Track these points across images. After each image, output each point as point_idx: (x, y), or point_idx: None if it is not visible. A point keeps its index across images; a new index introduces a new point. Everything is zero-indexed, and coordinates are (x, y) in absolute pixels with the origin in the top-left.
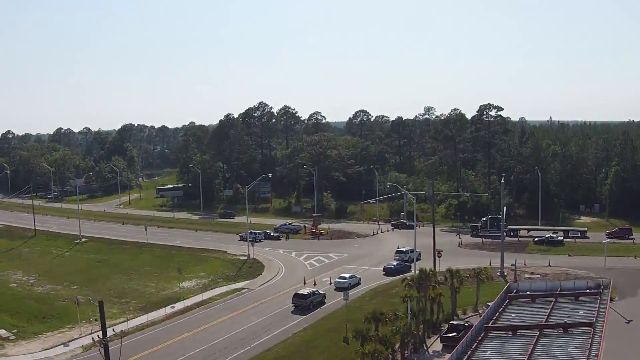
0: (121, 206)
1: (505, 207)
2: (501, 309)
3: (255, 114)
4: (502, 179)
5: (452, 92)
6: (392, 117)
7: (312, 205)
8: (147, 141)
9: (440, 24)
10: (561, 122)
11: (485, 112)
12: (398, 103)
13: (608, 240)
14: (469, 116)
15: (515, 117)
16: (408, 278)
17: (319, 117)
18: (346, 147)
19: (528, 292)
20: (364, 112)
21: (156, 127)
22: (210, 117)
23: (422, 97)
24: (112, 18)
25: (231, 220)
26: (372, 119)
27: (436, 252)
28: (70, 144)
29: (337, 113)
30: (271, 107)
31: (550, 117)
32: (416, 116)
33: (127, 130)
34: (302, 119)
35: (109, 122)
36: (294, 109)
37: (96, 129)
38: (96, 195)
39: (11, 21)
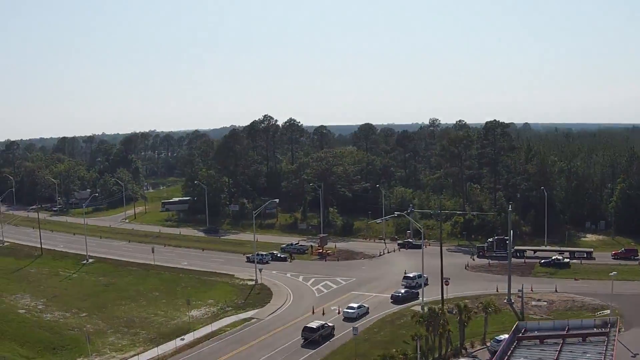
0: (126, 221)
1: (511, 231)
2: (510, 351)
3: (261, 127)
4: (510, 205)
5: (457, 97)
6: (398, 121)
7: (318, 221)
8: (152, 149)
9: (446, 26)
10: (567, 127)
11: (491, 130)
12: (404, 103)
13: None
14: (471, 121)
15: (520, 120)
16: (418, 314)
17: (325, 131)
18: (352, 163)
19: (536, 332)
20: (369, 125)
21: (160, 131)
22: (216, 122)
23: (427, 100)
24: (120, 24)
25: (233, 237)
26: (378, 131)
27: (444, 281)
28: (75, 152)
29: (342, 116)
30: (276, 120)
31: (556, 129)
32: (421, 126)
33: (132, 141)
34: (307, 126)
35: (113, 126)
36: (299, 122)
37: (100, 133)
38: (101, 207)
39: (17, 23)
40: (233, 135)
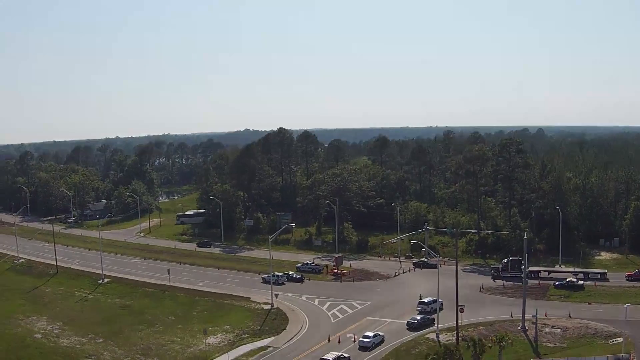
0: (141, 234)
1: (526, 258)
2: None
3: (276, 140)
4: (524, 227)
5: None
6: (412, 124)
7: (332, 237)
8: (166, 156)
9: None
10: (580, 130)
11: (506, 147)
12: (418, 107)
13: (627, 282)
14: (484, 124)
15: (533, 122)
16: (433, 349)
17: (338, 144)
18: (367, 178)
19: None
20: (385, 138)
21: (174, 134)
22: (230, 125)
23: (440, 103)
24: (135, 26)
25: (248, 254)
26: (392, 143)
27: (458, 308)
28: (89, 161)
29: (356, 120)
30: (291, 133)
31: (569, 135)
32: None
33: (146, 151)
34: (321, 129)
35: (128, 130)
36: (314, 134)
37: (114, 137)
38: (116, 220)
39: (28, 26)
40: (248, 150)
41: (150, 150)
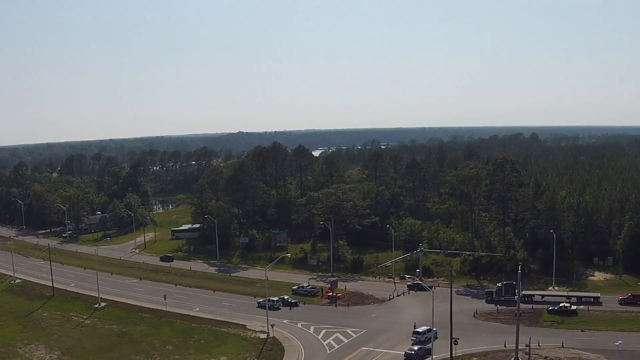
0: (136, 251)
1: (519, 280)
2: None
3: (270, 155)
4: (519, 257)
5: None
6: (405, 125)
7: (328, 255)
8: (161, 163)
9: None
10: (574, 130)
11: (500, 166)
12: (411, 108)
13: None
14: (477, 124)
15: (526, 122)
16: None
17: (333, 158)
18: (361, 193)
19: None
20: (379, 153)
21: (169, 135)
22: (224, 126)
23: (434, 104)
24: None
25: (243, 275)
26: (386, 158)
27: (453, 341)
28: (83, 169)
29: (349, 120)
30: (286, 147)
31: (564, 138)
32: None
33: (140, 163)
34: (317, 130)
35: (122, 131)
36: (308, 148)
37: (107, 139)
38: (110, 232)
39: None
40: (242, 166)
41: (144, 161)
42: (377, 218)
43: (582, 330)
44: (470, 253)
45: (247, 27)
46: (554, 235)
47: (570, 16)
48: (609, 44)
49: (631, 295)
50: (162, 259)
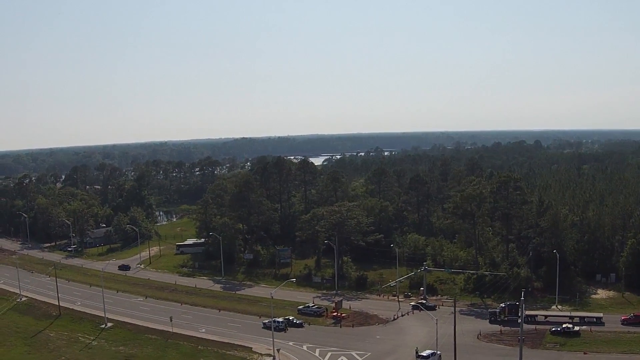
0: (141, 266)
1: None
2: None
3: (274, 170)
4: (522, 294)
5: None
6: (411, 129)
7: (332, 271)
8: (165, 174)
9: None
10: (579, 134)
11: (504, 184)
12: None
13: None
14: (481, 129)
15: (529, 126)
16: None
17: (336, 170)
18: (365, 214)
19: None
20: (382, 169)
21: (173, 140)
22: (229, 132)
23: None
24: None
25: (248, 293)
26: (390, 172)
27: None
28: (87, 179)
29: (353, 125)
30: (290, 160)
31: (568, 143)
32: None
33: (145, 176)
34: (320, 135)
35: (126, 136)
36: (312, 162)
37: (111, 144)
38: (115, 246)
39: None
40: (247, 183)
41: (148, 173)
42: (381, 235)
43: (584, 353)
44: (473, 272)
45: (251, 31)
46: (557, 255)
47: (572, 16)
48: (612, 44)
49: (634, 315)
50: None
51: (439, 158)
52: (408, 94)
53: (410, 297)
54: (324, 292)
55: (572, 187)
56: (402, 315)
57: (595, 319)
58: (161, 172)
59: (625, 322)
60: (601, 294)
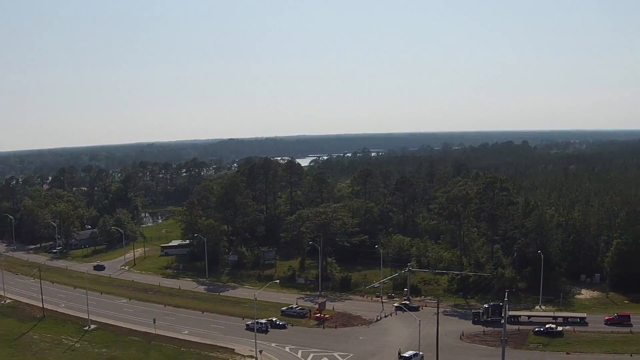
0: (126, 267)
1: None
2: None
3: (260, 171)
4: (506, 294)
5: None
6: (397, 130)
7: (316, 273)
8: (151, 176)
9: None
10: (566, 135)
11: (490, 185)
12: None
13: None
14: (467, 129)
15: (517, 127)
16: None
17: (322, 172)
18: (350, 215)
19: None
20: (369, 170)
21: (159, 141)
22: (215, 133)
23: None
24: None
25: (231, 294)
26: (377, 172)
27: None
28: (73, 181)
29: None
30: (276, 161)
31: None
32: (419, 168)
33: (131, 178)
34: (309, 136)
35: (114, 137)
36: (298, 163)
37: (99, 145)
38: (100, 248)
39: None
40: (233, 185)
41: (135, 175)
42: (365, 236)
43: (567, 353)
44: (457, 273)
45: (238, 32)
46: (542, 255)
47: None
48: (597, 44)
49: (617, 315)
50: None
51: (426, 159)
52: (396, 95)
53: (394, 298)
54: (308, 293)
55: (559, 188)
56: (386, 316)
57: (579, 319)
58: (148, 173)
59: (608, 322)
60: (585, 294)
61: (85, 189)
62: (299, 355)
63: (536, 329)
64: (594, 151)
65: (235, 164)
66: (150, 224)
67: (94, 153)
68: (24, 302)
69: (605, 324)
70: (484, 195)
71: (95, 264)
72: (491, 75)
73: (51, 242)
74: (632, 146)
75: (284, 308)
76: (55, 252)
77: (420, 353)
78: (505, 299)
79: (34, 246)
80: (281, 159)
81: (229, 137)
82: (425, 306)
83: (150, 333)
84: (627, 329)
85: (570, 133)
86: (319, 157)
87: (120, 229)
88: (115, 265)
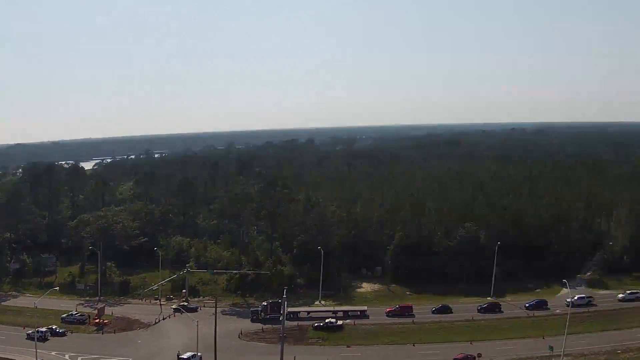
0: None
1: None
2: None
3: (44, 177)
4: (284, 291)
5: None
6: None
7: (96, 278)
8: None
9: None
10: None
11: (272, 183)
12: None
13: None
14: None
15: (295, 126)
16: None
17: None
18: (131, 218)
19: None
20: (152, 173)
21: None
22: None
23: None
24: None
25: (12, 303)
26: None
27: None
28: None
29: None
30: (61, 165)
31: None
32: (202, 168)
33: None
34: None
35: None
36: (82, 167)
37: None
38: None
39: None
40: (15, 192)
41: None
42: (145, 239)
43: (347, 346)
44: (236, 272)
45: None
46: (322, 251)
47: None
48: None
49: (399, 306)
50: None
51: (209, 159)
52: (178, 96)
53: (172, 300)
54: (88, 299)
55: (342, 184)
56: (164, 319)
57: (359, 312)
58: None
59: (390, 314)
60: (366, 287)
61: None
62: None
63: (315, 324)
64: (379, 147)
65: (20, 170)
66: None
67: None
68: None
69: (386, 315)
70: (264, 194)
71: None
72: (266, 72)
73: None
74: (420, 142)
75: (64, 315)
76: None
77: (199, 354)
78: (284, 295)
79: None
80: (65, 164)
81: (16, 143)
82: (204, 306)
83: None
84: (409, 320)
85: (357, 129)
86: (102, 159)
87: None
88: None
